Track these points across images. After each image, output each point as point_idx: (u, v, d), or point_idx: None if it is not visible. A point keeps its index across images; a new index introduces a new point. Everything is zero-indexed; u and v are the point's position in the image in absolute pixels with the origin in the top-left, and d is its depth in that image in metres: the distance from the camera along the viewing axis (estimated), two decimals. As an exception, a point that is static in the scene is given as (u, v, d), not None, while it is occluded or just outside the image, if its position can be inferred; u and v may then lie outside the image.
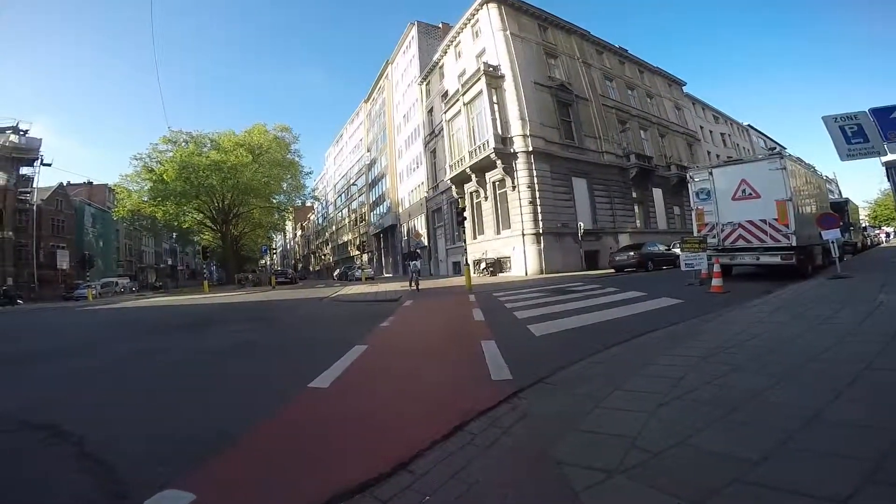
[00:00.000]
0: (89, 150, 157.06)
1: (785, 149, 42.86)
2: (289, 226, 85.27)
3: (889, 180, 5.21)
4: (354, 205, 60.99)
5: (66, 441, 2.54)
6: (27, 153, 36.97)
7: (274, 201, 41.17)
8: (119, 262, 53.96)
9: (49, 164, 38.09)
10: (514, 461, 1.94)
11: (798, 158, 12.31)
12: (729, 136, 47.53)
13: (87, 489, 1.95)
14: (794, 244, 9.48)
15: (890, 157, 5.53)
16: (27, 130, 37.79)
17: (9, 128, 36.71)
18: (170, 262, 69.83)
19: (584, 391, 2.77)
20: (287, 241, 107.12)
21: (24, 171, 37.03)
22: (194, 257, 71.74)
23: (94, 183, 52.58)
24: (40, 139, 38.41)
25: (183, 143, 35.25)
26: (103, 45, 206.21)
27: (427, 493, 1.73)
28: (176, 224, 38.56)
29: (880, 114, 5.55)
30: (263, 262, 61.77)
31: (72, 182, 47.84)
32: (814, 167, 13.71)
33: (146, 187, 34.54)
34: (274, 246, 77.09)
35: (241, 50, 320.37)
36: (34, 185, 37.61)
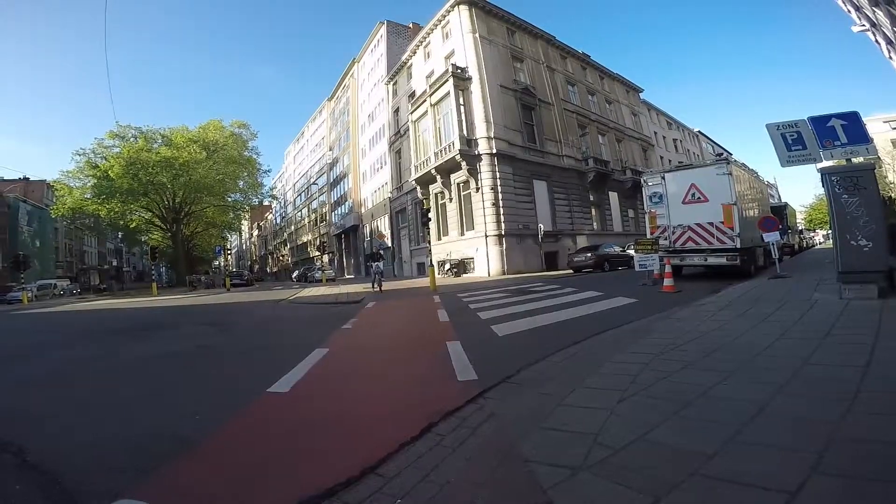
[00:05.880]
0: (27, 146, 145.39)
1: (731, 154, 45.53)
2: (245, 225, 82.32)
3: (823, 185, 5.61)
4: (315, 204, 59.69)
5: (4, 451, 2.35)
6: (-50, 145, 33.83)
7: (229, 200, 39.60)
8: (58, 262, 50.39)
9: (-24, 158, 35.05)
10: (483, 461, 1.95)
11: (743, 164, 13.11)
12: (680, 141, 50.00)
13: (33, 500, 1.83)
14: (738, 246, 10.06)
15: (825, 163, 5.98)
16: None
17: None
18: (115, 263, 65.97)
19: (547, 389, 2.83)
20: (243, 241, 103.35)
21: (-52, 164, 33.89)
22: (142, 258, 68.16)
23: (31, 179, 48.90)
24: (-35, 130, 35.31)
25: (132, 139, 33.35)
26: (44, 36, 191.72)
27: (398, 496, 1.71)
28: (122, 223, 36.37)
29: (818, 122, 5.98)
30: (217, 263, 59.30)
31: (5, 178, 44.33)
32: (756, 172, 14.64)
33: (89, 184, 32.43)
34: (229, 246, 74.21)
35: (200, 44, 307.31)
36: (-40, 181, 34.54)
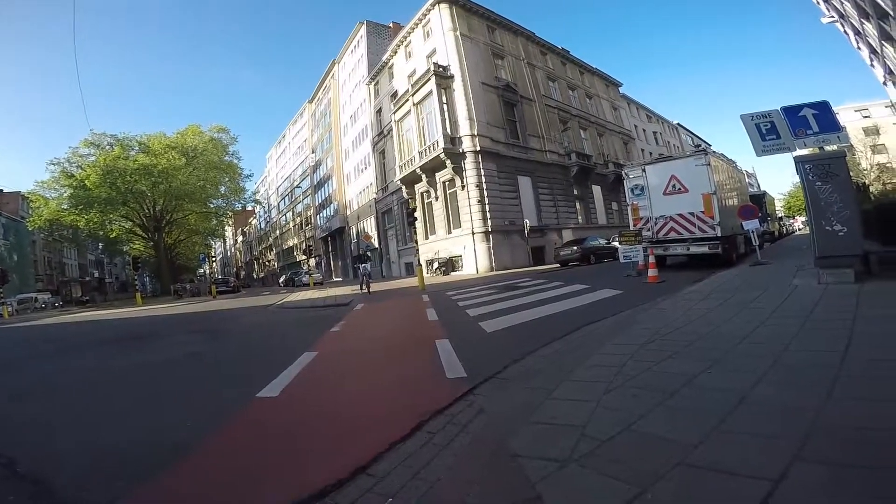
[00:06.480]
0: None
1: (710, 145, 46.35)
2: (229, 232, 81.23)
3: (798, 173, 5.76)
4: (299, 207, 59.11)
5: None
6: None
7: (211, 206, 38.95)
8: (38, 276, 49.00)
9: (-55, 171, 34.01)
10: (473, 457, 1.97)
11: (721, 154, 13.34)
12: (660, 134, 50.72)
13: None
14: (719, 234, 10.25)
15: (799, 152, 6.12)
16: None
17: None
18: (96, 275, 64.50)
19: (534, 384, 2.86)
20: (227, 247, 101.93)
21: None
22: (124, 268, 66.73)
23: (5, 191, 47.48)
24: (-67, 142, 34.19)
25: (107, 147, 32.65)
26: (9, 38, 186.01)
27: (389, 495, 1.71)
28: (101, 233, 35.56)
29: (790, 112, 6.12)
30: (202, 270, 58.42)
31: (-25, 190, 42.99)
32: (735, 162, 14.93)
33: (66, 194, 31.65)
34: (213, 253, 73.12)
35: (173, 47, 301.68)
36: (-73, 195, 33.41)
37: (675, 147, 52.37)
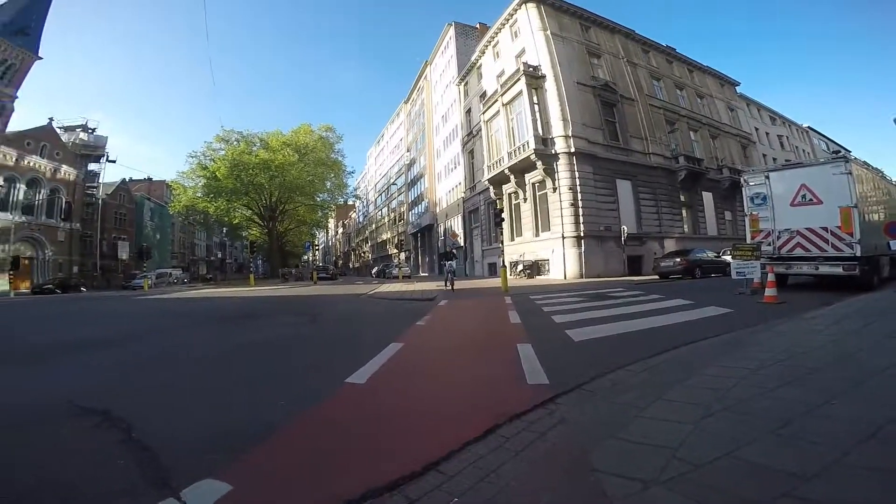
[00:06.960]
0: (148, 147, 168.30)
1: (850, 152, 39.82)
2: (331, 223, 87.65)
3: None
4: (394, 204, 61.95)
5: (115, 427, 2.59)
6: (94, 150, 40.14)
7: (318, 199, 42.54)
8: (173, 253, 57.15)
9: (114, 161, 41.28)
10: (548, 466, 1.90)
11: (864, 162, 11.44)
12: (787, 138, 44.67)
13: (131, 475, 1.99)
14: (858, 254, 8.81)
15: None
16: (95, 129, 40.87)
17: (78, 126, 39.88)
18: (219, 256, 73.53)
19: (624, 399, 2.69)
20: (329, 238, 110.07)
21: (92, 166, 40.16)
22: (242, 251, 75.26)
23: (154, 179, 56.10)
24: (106, 137, 41.62)
25: (234, 142, 37.05)
26: (157, 46, 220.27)
27: (456, 495, 1.71)
28: (226, 219, 40.60)
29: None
30: (306, 257, 63.87)
31: (133, 178, 51.37)
32: (882, 171, 12.71)
33: (200, 183, 36.56)
34: (316, 242, 79.61)
35: (289, 52, 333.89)
36: (100, 181, 40.69)
37: (804, 153, 45.88)
